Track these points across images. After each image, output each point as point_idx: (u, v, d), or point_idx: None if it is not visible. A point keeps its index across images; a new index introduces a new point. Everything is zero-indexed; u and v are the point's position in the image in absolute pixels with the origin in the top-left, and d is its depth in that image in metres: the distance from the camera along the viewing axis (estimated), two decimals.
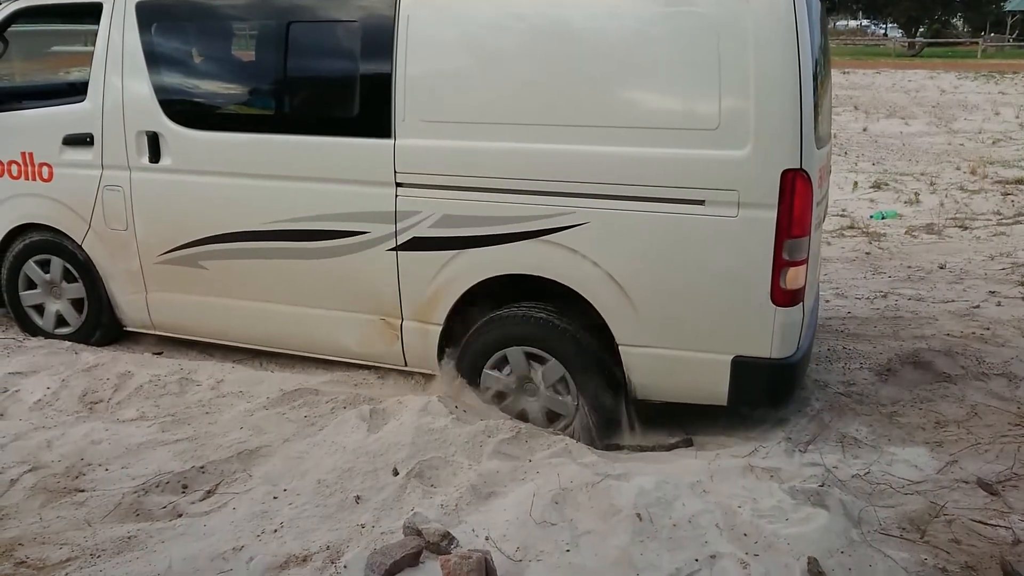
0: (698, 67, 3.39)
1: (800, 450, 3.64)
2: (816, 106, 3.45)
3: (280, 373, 4.53)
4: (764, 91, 3.31)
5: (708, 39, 3.35)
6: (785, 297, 3.46)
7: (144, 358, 4.71)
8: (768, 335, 3.50)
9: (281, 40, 4.07)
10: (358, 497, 3.15)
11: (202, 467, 3.42)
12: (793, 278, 3.45)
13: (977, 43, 43.65)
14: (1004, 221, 8.80)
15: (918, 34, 48.00)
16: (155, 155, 4.39)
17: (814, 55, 3.43)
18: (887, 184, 10.78)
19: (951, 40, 47.26)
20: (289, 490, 3.22)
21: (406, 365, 4.23)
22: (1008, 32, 50.00)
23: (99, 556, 2.83)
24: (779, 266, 3.41)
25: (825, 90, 4.01)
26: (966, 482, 3.39)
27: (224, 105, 4.44)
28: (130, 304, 4.78)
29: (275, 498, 3.17)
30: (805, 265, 3.49)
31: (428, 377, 4.35)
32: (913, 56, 41.07)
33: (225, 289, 4.45)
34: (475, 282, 3.87)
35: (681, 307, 3.59)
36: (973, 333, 5.10)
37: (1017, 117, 17.10)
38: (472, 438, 3.50)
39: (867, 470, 3.47)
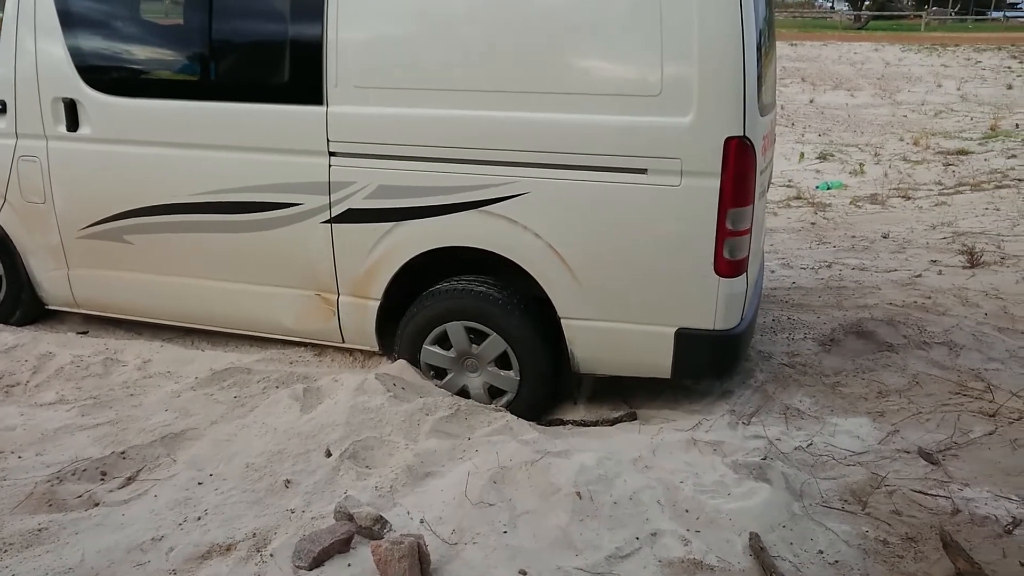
0: (640, 32, 3.27)
1: (744, 423, 3.61)
2: (760, 74, 3.37)
3: (211, 352, 4.35)
4: (707, 57, 3.21)
5: (651, 4, 3.23)
6: (728, 268, 3.39)
7: (67, 338, 4.48)
8: (711, 306, 3.43)
9: (207, 0, 3.85)
10: (288, 481, 3.01)
11: (123, 452, 3.24)
12: (736, 248, 3.38)
13: (921, 16, 44.36)
14: (945, 191, 8.92)
15: (864, 7, 48.54)
16: (73, 123, 4.14)
17: (758, 23, 3.35)
18: (833, 155, 10.86)
19: (896, 13, 47.90)
20: (215, 475, 3.07)
21: (343, 342, 4.08)
22: (950, 5, 50.86)
23: (6, 551, 2.64)
24: (722, 236, 3.34)
25: (770, 59, 3.94)
26: (907, 452, 3.38)
27: (146, 70, 4.18)
28: (51, 281, 4.53)
29: (200, 484, 3.01)
30: (748, 235, 3.43)
31: (367, 354, 4.22)
32: (859, 29, 41.59)
33: (152, 264, 4.24)
34: (413, 255, 3.74)
35: (623, 279, 3.51)
36: (915, 302, 5.13)
37: (959, 89, 17.39)
38: (409, 416, 3.39)
39: (810, 442, 3.44)
